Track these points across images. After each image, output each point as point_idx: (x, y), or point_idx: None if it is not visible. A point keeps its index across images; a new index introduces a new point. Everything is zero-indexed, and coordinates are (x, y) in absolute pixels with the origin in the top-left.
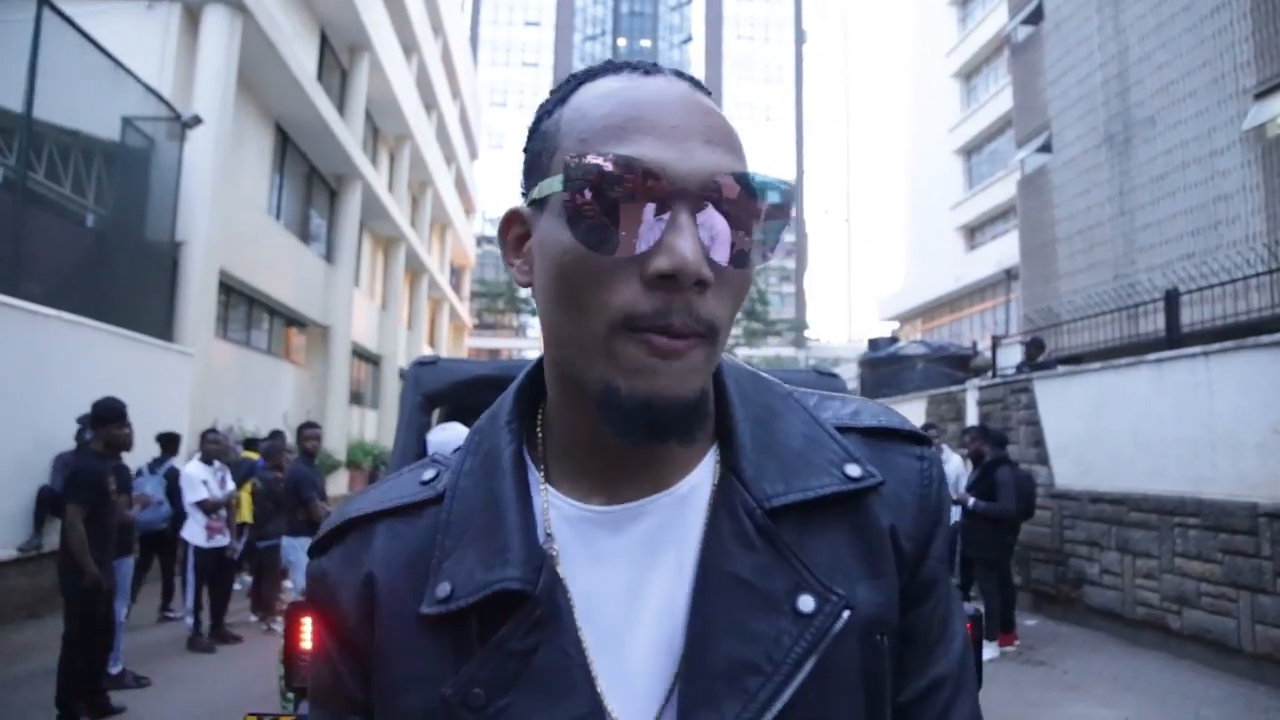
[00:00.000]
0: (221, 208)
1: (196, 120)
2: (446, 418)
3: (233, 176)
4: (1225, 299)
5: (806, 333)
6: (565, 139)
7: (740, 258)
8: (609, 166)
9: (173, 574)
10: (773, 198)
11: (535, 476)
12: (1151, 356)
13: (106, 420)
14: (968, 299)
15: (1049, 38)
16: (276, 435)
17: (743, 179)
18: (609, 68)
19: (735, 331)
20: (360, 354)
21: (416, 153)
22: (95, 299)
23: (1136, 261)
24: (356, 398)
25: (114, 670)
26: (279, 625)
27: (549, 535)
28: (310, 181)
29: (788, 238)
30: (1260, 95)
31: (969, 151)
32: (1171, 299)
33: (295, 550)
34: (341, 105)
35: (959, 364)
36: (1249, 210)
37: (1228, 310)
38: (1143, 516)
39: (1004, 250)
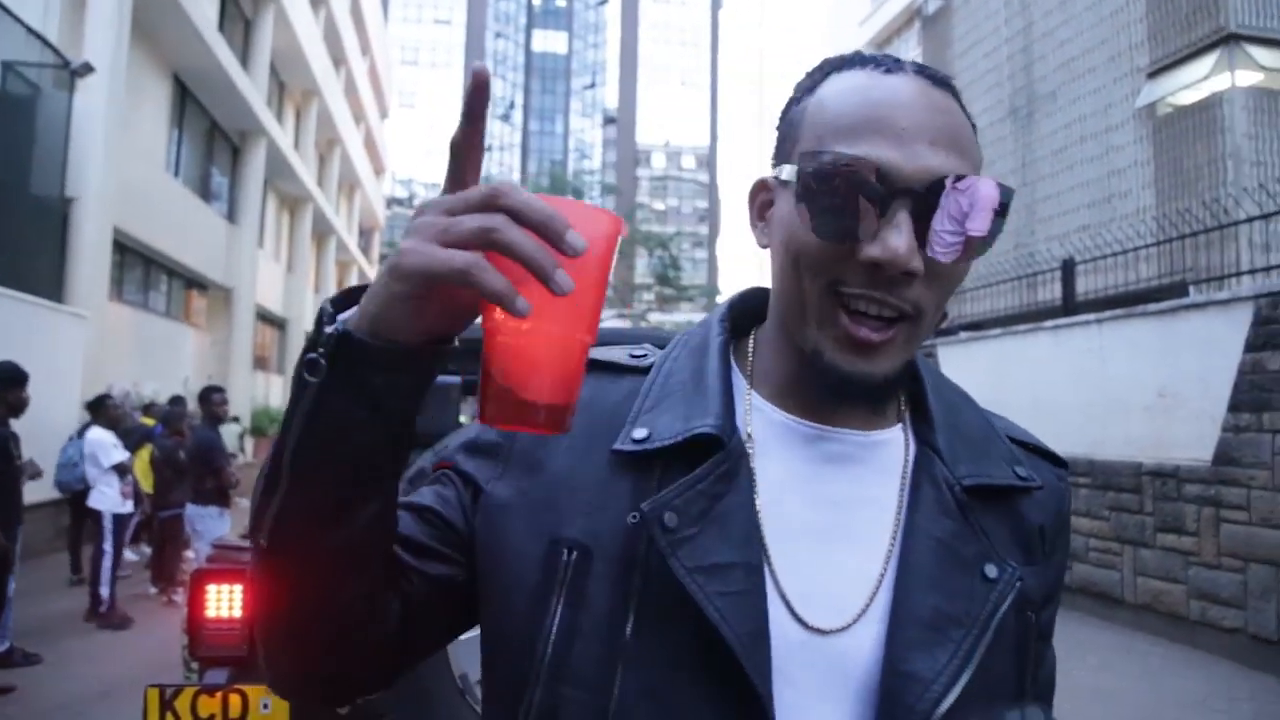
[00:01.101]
0: (116, 162)
1: (87, 68)
2: None
3: (128, 130)
4: (1117, 269)
5: (719, 298)
6: (806, 130)
7: (949, 252)
8: (840, 165)
9: (80, 538)
10: (992, 200)
11: (739, 375)
12: (1049, 323)
13: (9, 384)
14: None
15: (958, 11)
16: (177, 401)
17: (963, 181)
18: (856, 60)
19: (647, 297)
20: (265, 317)
21: (324, 110)
22: None
23: (1036, 232)
24: (261, 362)
25: (2, 648)
26: (180, 597)
27: (748, 424)
28: (211, 137)
29: (700, 203)
30: (1152, 74)
31: None
32: (1068, 268)
33: (202, 519)
34: (245, 57)
35: None
36: (1140, 184)
37: (1119, 280)
38: None
39: None
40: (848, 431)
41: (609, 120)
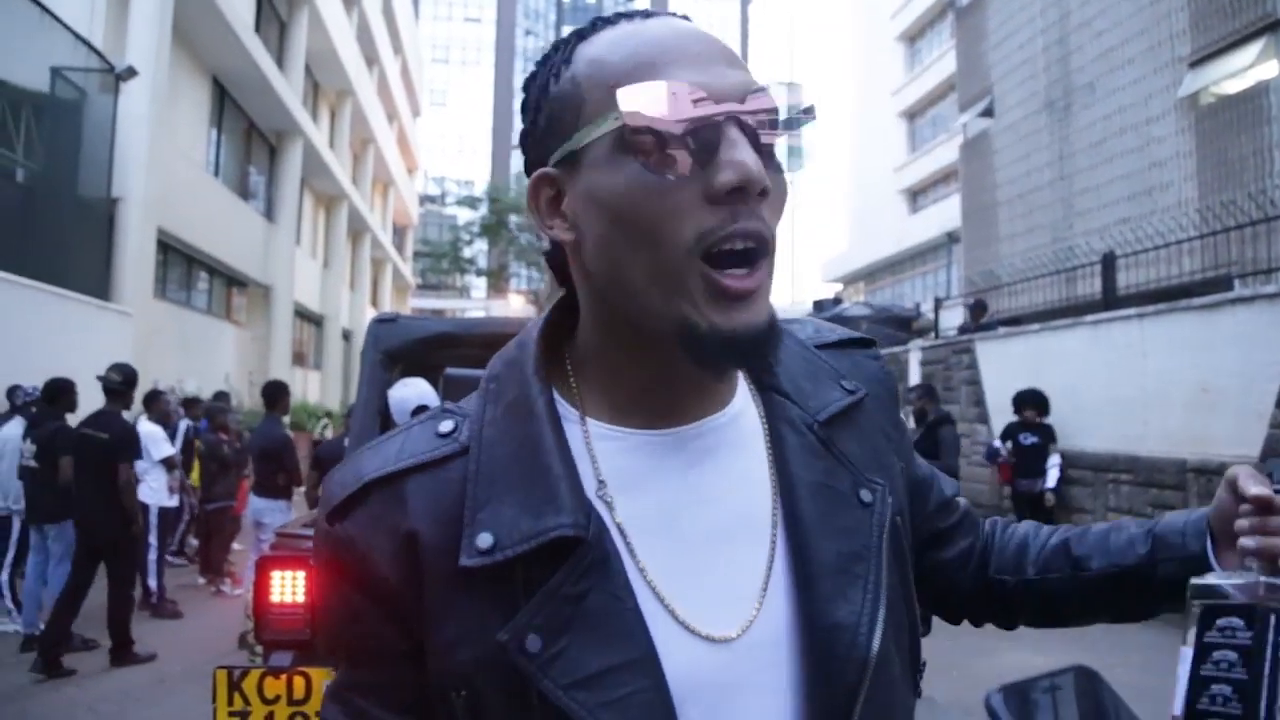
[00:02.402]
0: (158, 164)
1: (131, 72)
2: (405, 374)
3: (169, 131)
4: (1159, 263)
5: None
6: (591, 90)
7: (775, 158)
8: (648, 81)
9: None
10: (797, 104)
11: (572, 416)
12: (1089, 318)
13: (59, 393)
14: (910, 262)
15: (992, 2)
16: (221, 396)
17: (764, 91)
18: (602, 22)
19: None
20: (302, 314)
21: (358, 109)
22: (27, 257)
23: (1074, 225)
24: (299, 358)
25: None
26: (227, 587)
27: (597, 471)
28: (249, 137)
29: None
30: (1194, 64)
31: (912, 115)
32: (1108, 262)
33: (270, 513)
34: (280, 58)
35: (902, 325)
36: (1182, 176)
37: (1161, 274)
38: (1079, 473)
39: (946, 213)
40: (708, 420)
41: None
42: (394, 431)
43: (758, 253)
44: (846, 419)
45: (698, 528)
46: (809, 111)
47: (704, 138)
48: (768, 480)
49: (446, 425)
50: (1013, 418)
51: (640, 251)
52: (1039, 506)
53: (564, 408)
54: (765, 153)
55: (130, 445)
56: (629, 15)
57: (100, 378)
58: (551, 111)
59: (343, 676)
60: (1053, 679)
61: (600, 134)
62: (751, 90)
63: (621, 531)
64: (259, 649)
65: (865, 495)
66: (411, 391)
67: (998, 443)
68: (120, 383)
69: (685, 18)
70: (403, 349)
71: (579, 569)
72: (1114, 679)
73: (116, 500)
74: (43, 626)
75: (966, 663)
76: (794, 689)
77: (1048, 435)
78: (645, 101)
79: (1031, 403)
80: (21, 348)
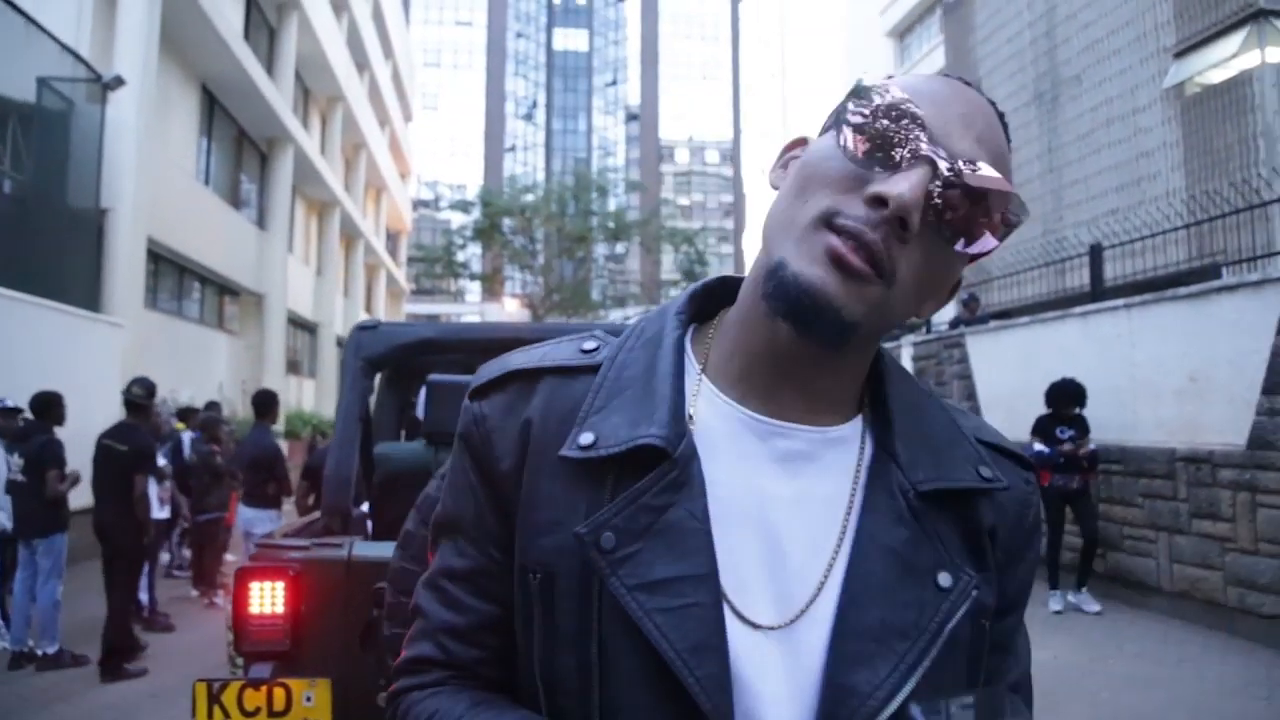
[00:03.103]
0: (148, 173)
1: (119, 81)
2: (389, 380)
3: (159, 140)
4: (1147, 253)
5: None
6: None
7: (951, 234)
8: (895, 98)
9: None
10: (1010, 212)
11: (694, 366)
12: (1077, 309)
13: (48, 408)
14: None
15: None
16: (212, 406)
17: (988, 173)
18: (947, 75)
19: (674, 292)
20: (296, 322)
21: (349, 114)
22: (17, 269)
23: (1064, 217)
24: (294, 366)
25: (51, 650)
26: (221, 599)
27: (691, 416)
28: (240, 145)
29: (725, 198)
30: (1179, 54)
31: None
32: (1095, 253)
33: (260, 522)
34: (270, 65)
35: None
36: (1169, 166)
37: (1149, 264)
38: None
39: None
40: (801, 428)
41: (631, 117)
42: (548, 341)
43: (869, 260)
44: (959, 502)
45: (758, 515)
46: (1008, 224)
47: (897, 152)
48: (839, 519)
49: (590, 344)
50: (999, 412)
51: (794, 202)
52: (1076, 504)
53: (690, 360)
54: (945, 224)
55: (147, 458)
56: (955, 77)
57: (124, 392)
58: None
59: (439, 564)
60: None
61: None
62: (969, 160)
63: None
64: (239, 660)
65: (944, 579)
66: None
67: (1039, 445)
68: (142, 396)
69: (1001, 115)
70: (384, 356)
71: (664, 482)
72: (1108, 670)
73: (131, 510)
74: (31, 643)
75: None
76: (800, 714)
77: (1083, 428)
78: (878, 96)
79: (1067, 395)
80: (11, 361)
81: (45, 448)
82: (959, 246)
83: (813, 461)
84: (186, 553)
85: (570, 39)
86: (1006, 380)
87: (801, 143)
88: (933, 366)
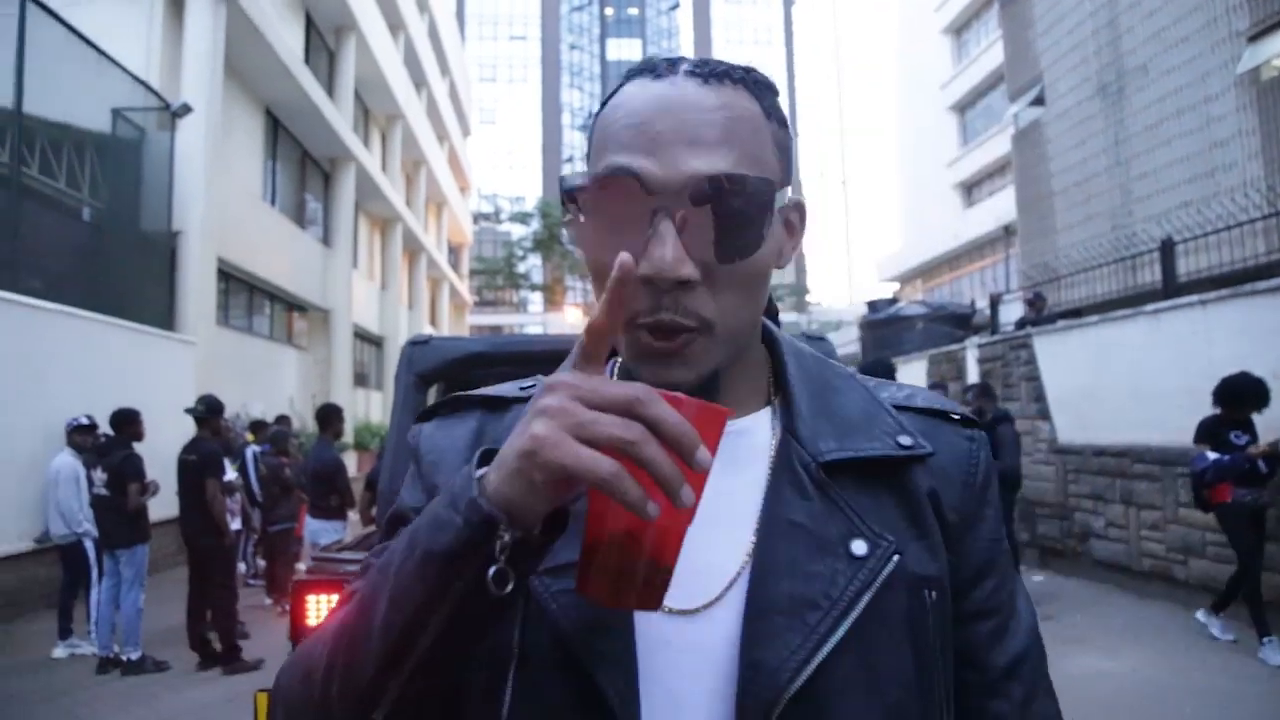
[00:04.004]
0: (216, 195)
1: (186, 109)
2: (443, 394)
3: (225, 163)
4: (1223, 246)
5: (807, 297)
6: (594, 145)
7: (726, 254)
8: (602, 181)
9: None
10: (754, 193)
11: None
12: (1149, 307)
13: (125, 423)
14: (967, 257)
15: None
16: (282, 420)
17: (720, 180)
18: (641, 68)
19: None
20: (362, 335)
21: (408, 131)
22: (95, 291)
23: (1134, 212)
24: (360, 379)
25: (134, 656)
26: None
27: None
28: (303, 165)
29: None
30: (1254, 37)
31: (962, 108)
32: (1167, 248)
33: (326, 534)
34: (330, 87)
35: (959, 322)
36: (1245, 155)
37: (1225, 258)
38: (1146, 468)
39: (1002, 206)
40: None
41: None
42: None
43: (677, 332)
44: (881, 472)
45: None
46: (762, 206)
47: (643, 223)
48: (757, 505)
49: (528, 383)
50: (1068, 414)
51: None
52: (1260, 524)
53: None
54: (721, 248)
55: (213, 464)
56: (654, 67)
57: (188, 410)
58: (589, 141)
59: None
60: None
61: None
62: (697, 179)
63: None
64: None
65: (858, 546)
66: None
67: (1210, 454)
68: (203, 412)
69: (709, 73)
70: (437, 370)
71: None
72: (1190, 683)
73: (209, 514)
74: (117, 649)
75: None
76: (716, 704)
77: (1254, 431)
78: (592, 186)
79: (1245, 394)
80: (91, 379)
81: (125, 462)
82: (730, 251)
83: (721, 456)
84: (261, 562)
85: (624, 49)
86: (1076, 382)
87: (572, 198)
88: (999, 368)
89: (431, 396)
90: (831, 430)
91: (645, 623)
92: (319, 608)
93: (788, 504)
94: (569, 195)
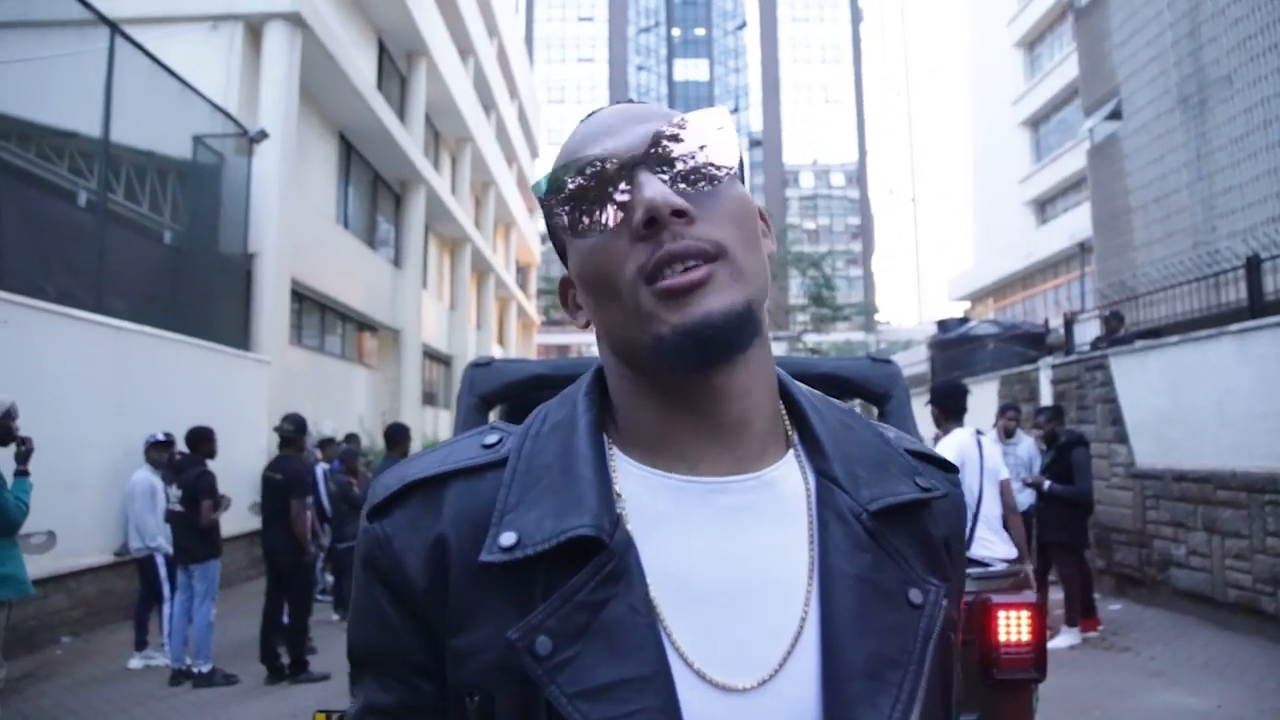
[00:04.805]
0: (290, 218)
1: (263, 135)
2: (504, 417)
3: (300, 187)
4: None
5: (876, 316)
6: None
7: (702, 178)
8: (575, 171)
9: None
10: (706, 133)
11: (606, 445)
12: (1234, 327)
13: (200, 440)
14: (1040, 275)
15: None
16: (352, 438)
17: (672, 129)
18: (588, 116)
19: (802, 318)
20: (431, 355)
21: (477, 154)
22: (175, 312)
23: (1217, 228)
24: (429, 398)
25: (205, 669)
26: None
27: (619, 495)
28: (375, 188)
29: (851, 220)
30: None
31: (1035, 123)
32: (1253, 266)
33: None
34: (402, 111)
35: (1032, 342)
36: None
37: None
38: (1231, 495)
39: (1076, 223)
40: (736, 479)
41: (754, 144)
42: (445, 441)
43: (693, 260)
44: (908, 516)
45: (715, 580)
46: (719, 131)
47: (621, 192)
48: (804, 560)
49: (492, 438)
50: (1146, 438)
51: (611, 305)
52: None
53: (606, 438)
54: (695, 178)
55: (299, 483)
56: (591, 115)
57: (275, 428)
58: (548, 226)
59: (363, 701)
60: None
61: (556, 226)
62: (657, 134)
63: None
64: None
65: (915, 596)
66: None
67: None
68: (290, 430)
69: (630, 100)
70: (498, 392)
71: (600, 575)
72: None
73: (291, 530)
74: (189, 661)
75: (1109, 703)
76: None
77: None
78: (559, 185)
79: None
80: (169, 397)
81: (199, 479)
82: (715, 179)
83: (758, 510)
84: (329, 578)
85: (691, 69)
86: (1155, 404)
87: (568, 282)
88: (1074, 390)
89: (492, 418)
90: (866, 474)
91: (709, 710)
92: None
93: (846, 557)
94: (547, 209)
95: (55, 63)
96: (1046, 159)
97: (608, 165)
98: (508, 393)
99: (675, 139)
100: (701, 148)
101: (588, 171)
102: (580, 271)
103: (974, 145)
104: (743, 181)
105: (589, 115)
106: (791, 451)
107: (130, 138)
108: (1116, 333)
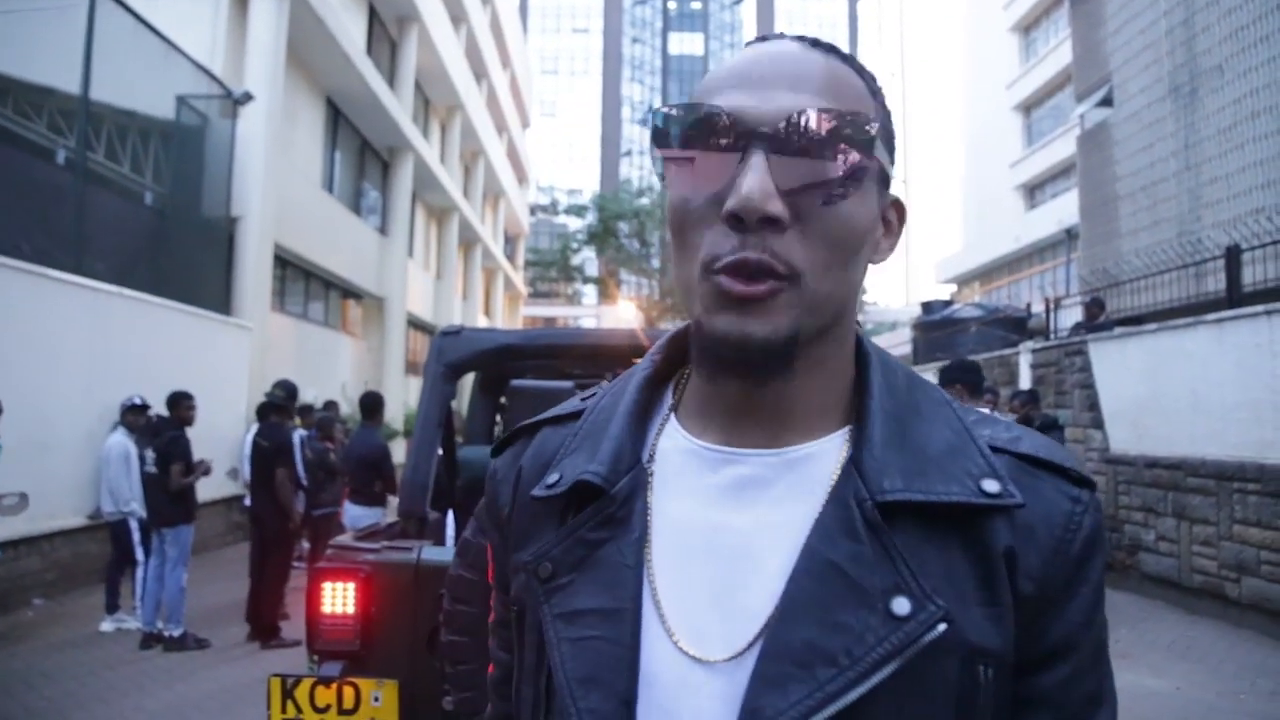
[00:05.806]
0: (275, 182)
1: (248, 97)
2: (482, 385)
3: (286, 151)
4: None
5: (864, 297)
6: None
7: (819, 190)
8: (684, 115)
9: None
10: (850, 135)
11: (666, 405)
12: (1211, 316)
13: (177, 403)
14: (1027, 260)
15: None
16: (330, 406)
17: (817, 114)
18: (749, 42)
19: None
20: (416, 324)
21: (467, 123)
22: (156, 275)
23: (1203, 218)
24: (413, 367)
25: (176, 633)
26: None
27: (651, 457)
28: (362, 154)
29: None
30: None
31: (1028, 108)
32: (1232, 256)
33: (366, 520)
34: (391, 77)
35: (1015, 326)
36: None
37: None
38: (1201, 482)
39: (1065, 209)
40: (754, 452)
41: None
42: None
43: (763, 275)
44: (944, 522)
45: (709, 548)
46: (865, 146)
47: (727, 158)
48: (800, 540)
49: (590, 393)
50: (1122, 424)
51: (683, 262)
52: None
53: (667, 398)
54: (812, 186)
55: (284, 452)
56: (769, 37)
57: (267, 394)
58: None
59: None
60: None
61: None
62: (797, 115)
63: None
64: (314, 658)
65: (900, 605)
66: None
67: None
68: (281, 397)
69: (815, 42)
70: (467, 361)
71: (600, 517)
72: (1239, 707)
73: (277, 498)
74: (160, 625)
75: None
76: None
77: None
78: (671, 125)
79: None
80: (149, 361)
81: (171, 443)
82: (831, 196)
83: (768, 487)
84: (305, 545)
85: (686, 43)
86: (1132, 391)
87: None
88: (1053, 375)
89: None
90: (902, 465)
91: (667, 668)
92: (334, 595)
93: (830, 542)
94: (659, 136)
95: (34, 16)
96: (1038, 144)
97: (729, 124)
98: (476, 361)
99: (813, 130)
100: (840, 152)
101: (705, 124)
102: (669, 213)
103: (966, 128)
104: (887, 185)
105: (751, 42)
106: (842, 431)
107: (112, 96)
108: (1097, 319)
